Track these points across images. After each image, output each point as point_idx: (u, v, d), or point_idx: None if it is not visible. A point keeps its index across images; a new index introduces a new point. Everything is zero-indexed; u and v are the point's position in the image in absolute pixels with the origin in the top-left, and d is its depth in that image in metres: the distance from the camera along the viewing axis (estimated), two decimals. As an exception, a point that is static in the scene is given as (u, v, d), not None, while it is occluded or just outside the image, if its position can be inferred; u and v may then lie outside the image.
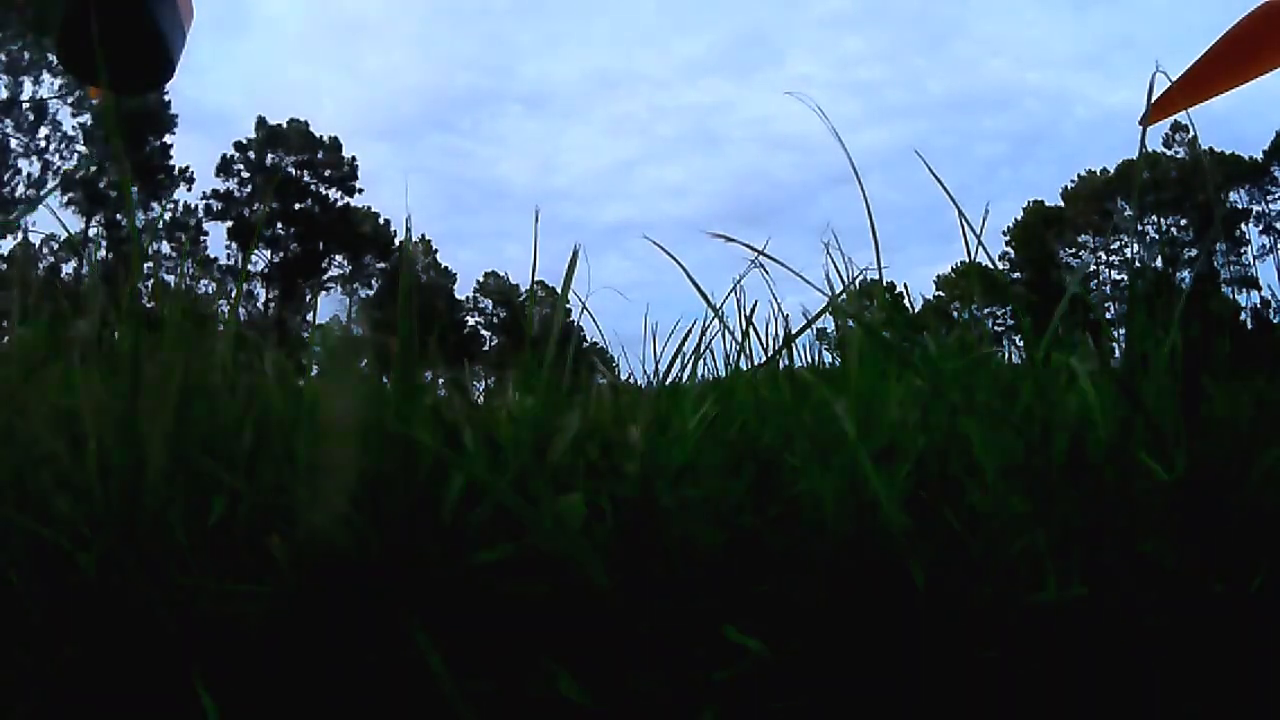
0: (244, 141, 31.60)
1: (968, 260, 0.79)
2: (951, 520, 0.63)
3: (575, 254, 0.66)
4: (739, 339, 0.88)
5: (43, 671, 0.48)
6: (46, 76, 25.78)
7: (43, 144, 26.17)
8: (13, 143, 25.59)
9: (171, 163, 28.85)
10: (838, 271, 0.86)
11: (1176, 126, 28.35)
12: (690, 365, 0.92)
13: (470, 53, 47.82)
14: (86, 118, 26.01)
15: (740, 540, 0.72)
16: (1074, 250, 30.77)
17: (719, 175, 47.78)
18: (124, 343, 0.64)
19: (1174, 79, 0.72)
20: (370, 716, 0.46)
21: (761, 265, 0.83)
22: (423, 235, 33.79)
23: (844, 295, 0.81)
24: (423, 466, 0.64)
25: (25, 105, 25.80)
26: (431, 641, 0.41)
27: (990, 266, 0.79)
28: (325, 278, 30.92)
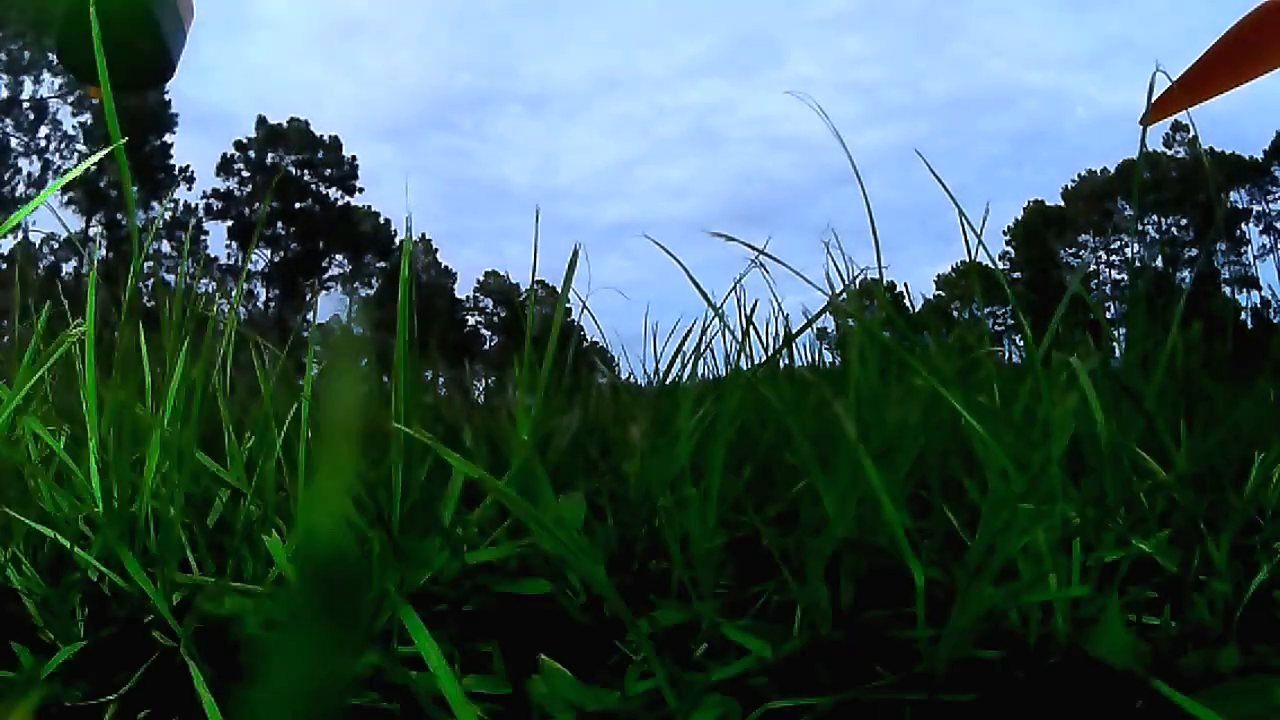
0: (244, 141, 31.62)
1: (968, 260, 0.79)
2: (951, 520, 0.63)
3: (575, 254, 0.66)
4: (739, 338, 0.88)
5: (42, 671, 0.48)
6: (46, 76, 25.79)
7: (43, 143, 26.20)
8: (13, 142, 25.59)
9: (171, 162, 28.88)
10: (838, 271, 0.86)
11: (1177, 126, 28.36)
12: (690, 365, 0.92)
13: (471, 53, 47.77)
14: (86, 117, 26.03)
15: (740, 540, 0.72)
16: (1074, 250, 30.78)
17: (719, 175, 47.74)
18: (124, 341, 0.64)
19: (1174, 79, 0.72)
20: (370, 716, 0.46)
21: (762, 265, 0.83)
22: (423, 235, 33.77)
23: (844, 295, 0.81)
24: (423, 466, 0.64)
25: (25, 105, 25.80)
26: (431, 640, 0.41)
27: (990, 266, 0.79)
28: (325, 277, 30.92)
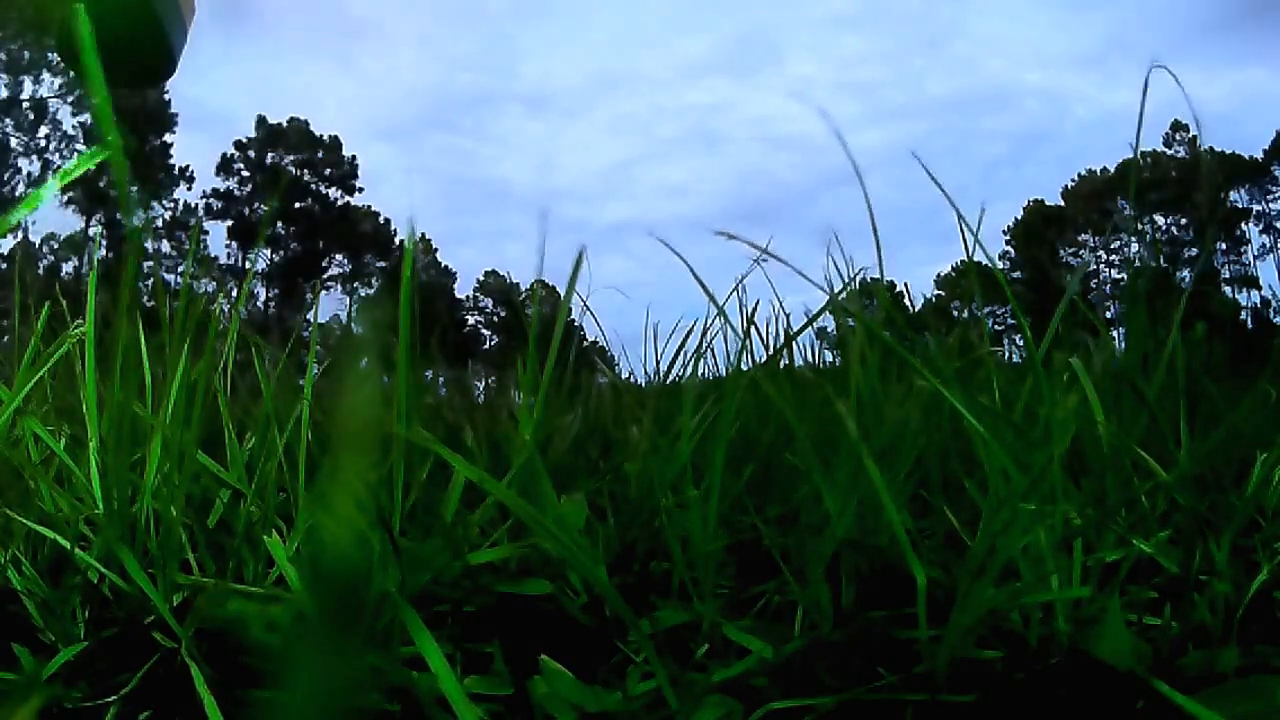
0: (244, 140, 31.60)
1: (968, 260, 0.79)
2: (952, 520, 0.63)
3: (580, 256, 0.66)
4: (740, 337, 0.88)
5: (43, 672, 0.48)
6: (46, 76, 25.79)
7: (43, 143, 26.20)
8: (13, 142, 25.60)
9: (171, 162, 28.88)
10: (838, 270, 0.86)
11: (1176, 126, 28.34)
12: (691, 364, 0.92)
13: (471, 53, 47.73)
14: (86, 117, 26.01)
15: (741, 541, 0.72)
16: (1074, 250, 30.76)
17: (720, 175, 47.71)
18: (124, 342, 0.64)
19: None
20: (371, 717, 0.46)
21: (764, 261, 0.83)
22: (423, 234, 33.72)
23: (845, 294, 0.81)
24: (424, 466, 0.64)
25: (25, 105, 25.80)
26: (432, 641, 0.41)
27: (990, 266, 0.79)
28: (325, 277, 30.91)
